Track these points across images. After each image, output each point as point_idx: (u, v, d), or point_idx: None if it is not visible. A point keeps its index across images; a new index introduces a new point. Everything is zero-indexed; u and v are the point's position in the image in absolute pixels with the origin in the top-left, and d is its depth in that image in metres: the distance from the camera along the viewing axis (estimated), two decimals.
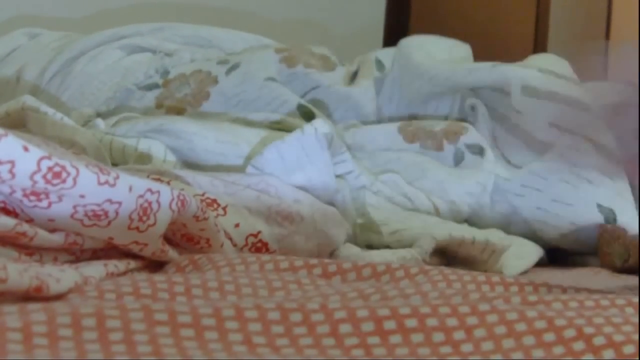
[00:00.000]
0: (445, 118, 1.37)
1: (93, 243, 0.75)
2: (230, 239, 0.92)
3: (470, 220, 1.25)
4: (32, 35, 1.64)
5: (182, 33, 1.54)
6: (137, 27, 1.56)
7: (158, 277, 0.67)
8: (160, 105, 1.41)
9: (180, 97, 1.40)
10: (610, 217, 1.22)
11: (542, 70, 1.31)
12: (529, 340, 0.56)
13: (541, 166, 1.24)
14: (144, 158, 1.15)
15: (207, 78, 1.43)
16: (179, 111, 1.38)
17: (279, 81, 1.39)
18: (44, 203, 0.70)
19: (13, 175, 0.67)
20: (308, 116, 1.34)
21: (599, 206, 1.22)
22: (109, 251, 0.77)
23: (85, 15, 1.97)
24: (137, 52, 1.51)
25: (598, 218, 1.22)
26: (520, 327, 0.57)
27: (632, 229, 1.21)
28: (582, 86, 1.32)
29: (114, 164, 1.14)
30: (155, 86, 1.43)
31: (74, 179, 0.69)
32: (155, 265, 0.80)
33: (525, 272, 1.13)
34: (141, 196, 0.73)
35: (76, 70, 1.48)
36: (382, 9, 2.51)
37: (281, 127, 1.28)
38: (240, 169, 1.11)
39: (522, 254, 1.18)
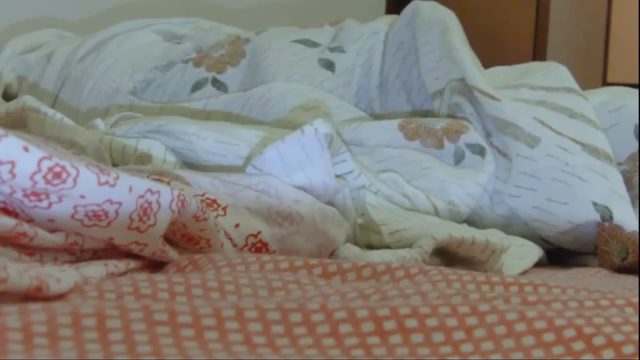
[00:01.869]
0: (434, 114, 1.37)
1: (93, 243, 0.75)
2: (230, 239, 0.92)
3: (470, 221, 1.25)
4: (61, 36, 1.66)
5: (206, 26, 1.59)
6: (164, 20, 1.60)
7: (158, 277, 0.67)
8: (199, 63, 1.46)
9: (217, 57, 1.46)
10: (606, 214, 1.22)
11: (534, 87, 1.32)
12: (528, 340, 0.56)
13: (531, 165, 1.24)
14: (143, 158, 1.15)
15: (237, 40, 1.49)
16: (219, 69, 1.44)
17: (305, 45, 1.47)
18: (44, 203, 0.70)
19: (13, 176, 0.67)
20: (329, 65, 1.42)
21: (594, 204, 1.22)
22: (109, 251, 0.77)
23: (91, 15, 1.98)
24: (171, 39, 1.56)
25: (594, 216, 1.22)
26: (520, 327, 0.57)
27: (630, 226, 1.21)
28: (581, 94, 1.32)
29: (114, 165, 1.14)
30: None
31: (74, 180, 0.69)
32: (156, 265, 0.80)
33: (525, 272, 1.13)
34: (141, 196, 0.74)
35: (111, 46, 1.53)
36: (382, 10, 2.51)
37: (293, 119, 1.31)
38: (240, 170, 1.11)
39: (522, 254, 1.18)
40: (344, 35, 1.47)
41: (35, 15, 1.89)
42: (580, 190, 1.23)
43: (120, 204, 0.72)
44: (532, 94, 1.30)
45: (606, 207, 1.22)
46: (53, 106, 1.49)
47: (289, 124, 1.30)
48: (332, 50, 1.46)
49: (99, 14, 1.98)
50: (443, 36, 1.37)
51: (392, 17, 1.50)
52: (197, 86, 1.43)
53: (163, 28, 1.57)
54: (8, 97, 1.53)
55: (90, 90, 1.47)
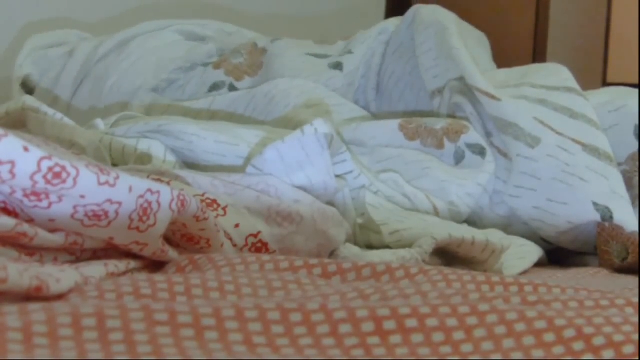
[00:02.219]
0: (432, 114, 1.37)
1: (93, 243, 0.75)
2: (230, 239, 0.92)
3: (470, 221, 1.25)
4: (80, 37, 1.68)
5: (228, 30, 1.60)
6: (185, 21, 1.63)
7: (158, 277, 0.67)
8: (218, 66, 1.49)
9: (236, 64, 1.49)
10: (606, 215, 1.22)
11: (535, 86, 1.32)
12: (528, 340, 0.56)
13: (531, 166, 1.24)
14: (143, 158, 1.15)
15: (255, 49, 1.51)
16: (237, 77, 1.47)
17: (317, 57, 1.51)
18: (44, 203, 0.70)
19: (13, 176, 0.67)
20: (337, 66, 1.45)
21: (595, 204, 1.22)
22: (109, 251, 0.77)
23: (109, 17, 1.99)
24: (194, 40, 1.58)
25: (594, 216, 1.22)
26: (520, 327, 0.57)
27: (630, 226, 1.21)
28: (582, 94, 1.32)
29: (114, 165, 1.14)
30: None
31: (74, 179, 0.69)
32: (156, 265, 0.80)
33: (525, 272, 1.13)
34: (141, 196, 0.74)
35: (133, 46, 1.55)
36: (381, 10, 2.51)
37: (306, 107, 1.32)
38: (240, 170, 1.11)
39: (522, 254, 1.18)
40: (353, 41, 1.50)
41: (51, 16, 1.90)
42: (581, 191, 1.23)
43: (120, 204, 0.72)
44: (533, 91, 1.30)
45: (607, 208, 1.22)
46: (71, 100, 1.51)
47: (290, 122, 1.31)
48: (341, 55, 1.48)
49: (115, 16, 1.99)
50: (441, 36, 1.37)
51: (399, 19, 1.51)
52: (215, 87, 1.46)
53: (185, 29, 1.59)
54: (28, 88, 1.55)
55: (111, 86, 1.49)
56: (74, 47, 1.58)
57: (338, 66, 1.45)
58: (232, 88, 1.45)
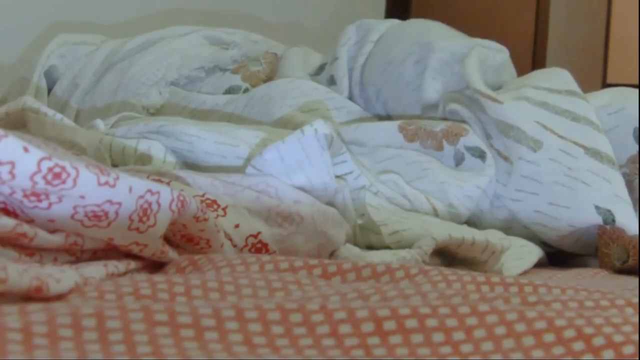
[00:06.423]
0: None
1: (93, 244, 0.75)
2: (230, 239, 0.92)
3: (470, 224, 1.25)
4: (106, 42, 1.69)
5: (253, 38, 1.62)
6: (212, 28, 1.65)
7: (158, 278, 0.67)
8: (236, 71, 1.52)
9: (254, 71, 1.51)
10: (608, 218, 1.21)
11: (536, 87, 1.32)
12: (528, 340, 0.56)
13: (533, 169, 1.24)
14: (143, 159, 1.15)
15: (275, 59, 1.54)
16: (254, 83, 1.49)
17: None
18: (44, 204, 0.70)
19: (13, 176, 0.67)
20: (332, 82, 1.46)
21: (597, 208, 1.22)
22: (109, 252, 0.77)
23: (127, 20, 2.00)
24: (218, 44, 1.60)
25: (596, 219, 1.21)
26: (520, 327, 0.57)
27: (631, 229, 1.21)
28: (583, 97, 1.32)
29: (114, 165, 1.14)
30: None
31: (74, 180, 0.69)
32: (155, 265, 0.80)
33: (525, 273, 1.13)
34: (141, 197, 0.74)
35: (159, 44, 1.57)
36: (381, 11, 2.51)
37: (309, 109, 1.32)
38: (239, 170, 1.11)
39: (522, 255, 1.18)
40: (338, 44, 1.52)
41: (76, 19, 1.91)
42: (583, 194, 1.22)
43: (120, 204, 0.72)
44: (535, 92, 1.30)
45: (609, 211, 1.21)
46: (91, 90, 1.52)
47: (287, 125, 1.31)
48: (331, 62, 1.50)
49: (140, 21, 2.00)
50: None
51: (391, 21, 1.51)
52: (230, 91, 1.48)
53: (212, 34, 1.62)
54: (50, 78, 1.56)
55: (132, 75, 1.51)
56: (100, 46, 1.60)
57: (331, 81, 1.46)
58: (247, 92, 1.47)
